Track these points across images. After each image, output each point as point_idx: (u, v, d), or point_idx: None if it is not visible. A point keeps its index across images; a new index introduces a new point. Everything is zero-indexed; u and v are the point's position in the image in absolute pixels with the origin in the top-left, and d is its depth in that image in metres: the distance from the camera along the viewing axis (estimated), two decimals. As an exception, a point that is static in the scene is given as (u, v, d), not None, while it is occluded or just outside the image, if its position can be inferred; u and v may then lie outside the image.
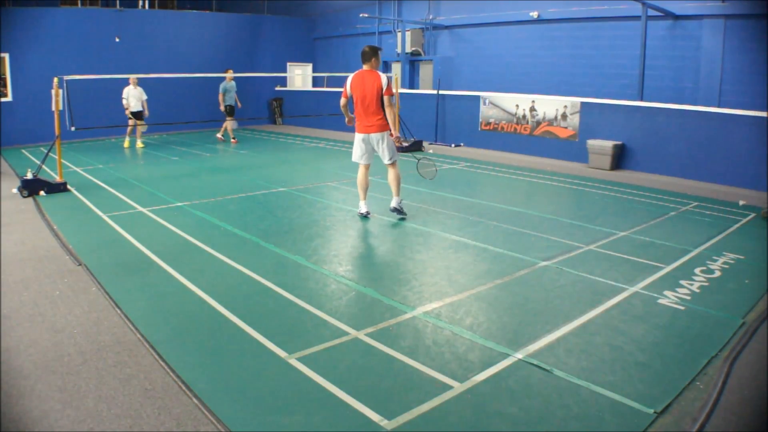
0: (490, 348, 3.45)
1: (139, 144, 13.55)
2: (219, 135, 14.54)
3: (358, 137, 6.42)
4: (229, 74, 13.66)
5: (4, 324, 3.73)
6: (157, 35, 16.85)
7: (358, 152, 6.46)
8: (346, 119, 6.70)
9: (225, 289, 4.38)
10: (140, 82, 13.10)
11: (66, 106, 8.37)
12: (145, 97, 13.00)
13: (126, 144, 13.57)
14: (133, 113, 12.96)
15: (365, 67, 6.30)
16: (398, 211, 6.49)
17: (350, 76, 6.34)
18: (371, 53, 6.28)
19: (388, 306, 4.08)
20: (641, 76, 10.95)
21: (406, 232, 6.07)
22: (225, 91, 13.60)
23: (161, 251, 5.29)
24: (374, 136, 6.32)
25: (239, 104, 14.04)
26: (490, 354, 3.37)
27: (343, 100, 6.49)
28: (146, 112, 13.12)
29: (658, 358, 3.35)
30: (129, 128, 13.31)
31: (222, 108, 13.74)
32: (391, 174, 6.46)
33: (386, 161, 6.44)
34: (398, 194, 6.51)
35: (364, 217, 6.53)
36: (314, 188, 8.47)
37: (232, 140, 14.18)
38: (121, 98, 12.88)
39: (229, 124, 14.02)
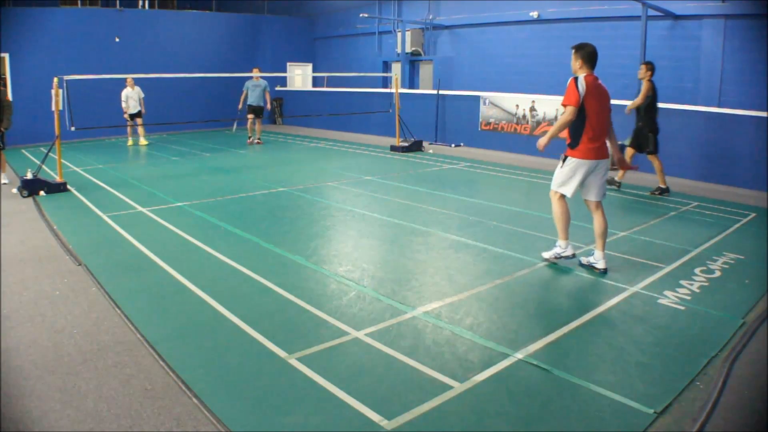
0: (490, 348, 3.45)
1: (143, 141, 13.56)
2: (256, 140, 13.96)
3: (581, 164, 4.74)
4: (254, 73, 13.53)
5: (4, 324, 3.73)
6: (157, 35, 16.84)
7: (575, 183, 4.79)
8: (549, 140, 4.78)
9: (225, 289, 4.38)
10: (140, 82, 13.12)
11: (66, 106, 8.36)
12: (142, 95, 13.06)
13: (130, 143, 13.68)
14: (131, 114, 13.05)
15: (590, 70, 4.75)
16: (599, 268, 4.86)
17: (582, 80, 4.65)
18: (597, 54, 4.76)
19: (388, 306, 4.08)
20: (641, 76, 10.93)
21: (406, 232, 6.07)
22: (246, 89, 13.49)
23: (161, 251, 5.29)
24: (603, 163, 4.81)
25: (269, 105, 13.83)
26: (490, 354, 3.37)
27: (573, 110, 4.65)
28: (143, 110, 13.20)
29: (658, 358, 3.35)
30: (129, 129, 13.45)
31: (239, 106, 13.66)
32: (602, 221, 4.86)
33: (600, 196, 4.88)
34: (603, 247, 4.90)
35: (570, 258, 4.97)
36: (314, 188, 8.46)
37: (249, 140, 14.00)
38: (120, 101, 12.98)
39: (249, 123, 13.81)
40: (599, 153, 4.76)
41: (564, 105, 4.73)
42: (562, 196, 4.92)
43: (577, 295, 4.32)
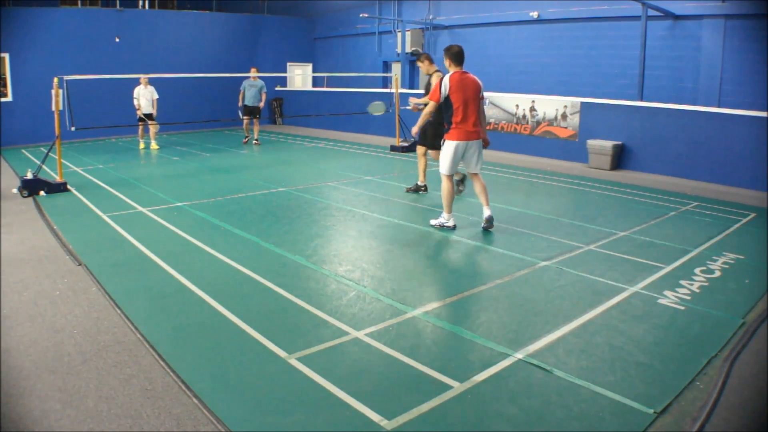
0: (490, 348, 3.45)
1: (154, 146, 12.92)
2: (253, 140, 13.93)
3: (454, 145, 5.85)
4: (252, 72, 13.47)
5: (4, 324, 3.73)
6: (157, 35, 16.85)
7: (453, 162, 5.92)
8: (418, 128, 6.30)
9: (225, 289, 4.38)
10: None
11: (66, 106, 8.36)
12: (156, 96, 12.63)
13: (141, 146, 13.05)
14: (144, 115, 12.54)
15: (458, 67, 5.88)
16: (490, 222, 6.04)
17: (447, 78, 5.80)
18: (463, 53, 5.93)
19: (388, 306, 4.08)
20: (641, 76, 10.95)
21: (405, 232, 6.07)
22: (243, 89, 13.43)
23: (161, 251, 5.29)
24: (475, 143, 5.91)
25: (261, 104, 13.59)
26: (490, 354, 3.37)
27: (434, 105, 5.97)
28: (155, 113, 12.70)
29: (658, 358, 3.35)
30: (140, 130, 12.92)
31: (240, 104, 13.58)
32: (481, 184, 6.05)
33: (477, 169, 6.01)
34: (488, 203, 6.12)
35: (452, 229, 6.06)
36: (314, 188, 8.46)
37: (244, 140, 13.95)
38: (132, 98, 12.48)
39: (246, 123, 13.77)
40: (469, 135, 5.81)
41: (429, 99, 6.05)
42: (449, 176, 5.99)
43: (577, 295, 4.32)
